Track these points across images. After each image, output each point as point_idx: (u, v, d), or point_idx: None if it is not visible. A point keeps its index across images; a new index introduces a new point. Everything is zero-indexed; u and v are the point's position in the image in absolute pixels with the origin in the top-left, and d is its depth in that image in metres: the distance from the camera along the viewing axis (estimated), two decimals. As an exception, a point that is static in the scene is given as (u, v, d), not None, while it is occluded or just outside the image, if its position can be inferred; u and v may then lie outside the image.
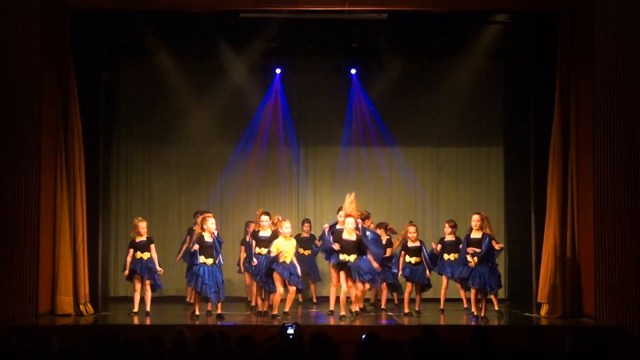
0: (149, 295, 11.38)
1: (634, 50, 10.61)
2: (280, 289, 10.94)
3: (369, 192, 14.47)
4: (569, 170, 11.15)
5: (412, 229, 11.63)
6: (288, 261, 10.94)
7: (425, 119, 14.44)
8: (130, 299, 11.90)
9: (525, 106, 13.13)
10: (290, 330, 7.04)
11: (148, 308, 11.26)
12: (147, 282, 11.34)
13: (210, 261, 10.82)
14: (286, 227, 11.03)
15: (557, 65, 11.34)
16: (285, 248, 10.93)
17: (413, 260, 11.60)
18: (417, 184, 14.56)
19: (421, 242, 11.80)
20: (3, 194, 10.49)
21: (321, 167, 14.60)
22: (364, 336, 6.32)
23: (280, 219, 11.24)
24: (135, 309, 11.28)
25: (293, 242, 11.19)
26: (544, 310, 11.16)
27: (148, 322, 10.79)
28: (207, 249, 10.86)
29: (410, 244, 11.62)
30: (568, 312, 10.94)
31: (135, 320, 10.90)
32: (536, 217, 11.96)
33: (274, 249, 10.92)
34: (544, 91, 11.98)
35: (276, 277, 10.90)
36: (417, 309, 11.53)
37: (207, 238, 10.88)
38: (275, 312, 10.95)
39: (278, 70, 14.22)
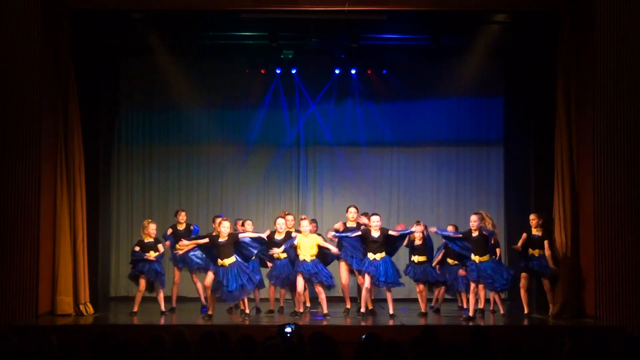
0: (161, 295, 11.48)
1: (634, 50, 10.61)
2: (300, 287, 11.05)
3: (369, 192, 14.46)
4: (572, 170, 11.16)
5: (418, 228, 11.64)
6: (308, 259, 10.99)
7: (425, 119, 14.46)
8: (131, 299, 11.91)
9: (525, 106, 13.13)
10: (288, 329, 7.04)
11: (162, 308, 11.39)
12: (157, 283, 11.45)
13: (229, 261, 10.78)
14: (304, 225, 11.09)
15: (558, 65, 11.35)
16: (304, 245, 11.01)
17: (416, 259, 11.60)
18: (417, 184, 14.55)
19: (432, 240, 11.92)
20: (3, 194, 10.50)
21: (321, 167, 14.58)
22: (364, 336, 6.32)
23: (301, 217, 11.36)
24: (135, 309, 11.30)
25: (314, 239, 11.15)
26: (551, 310, 11.17)
27: (162, 321, 10.83)
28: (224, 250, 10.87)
29: (416, 243, 11.63)
30: (568, 312, 10.96)
31: (135, 321, 10.90)
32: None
33: (297, 242, 11.04)
34: (544, 91, 11.99)
35: (299, 277, 11.03)
36: (432, 304, 11.50)
37: (221, 239, 10.90)
38: (300, 309, 11.14)
39: (278, 71, 14.23)
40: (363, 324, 10.56)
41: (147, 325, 10.40)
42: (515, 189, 13.70)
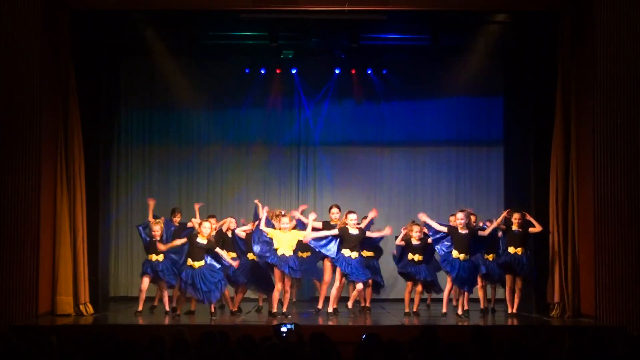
0: (166, 295, 11.48)
1: (634, 50, 10.61)
2: (278, 285, 10.96)
3: (369, 192, 14.47)
4: (570, 170, 11.17)
5: (416, 228, 11.64)
6: (287, 254, 10.92)
7: (425, 119, 14.47)
8: (131, 299, 11.92)
9: (525, 106, 13.12)
10: (284, 329, 7.04)
11: (167, 307, 11.38)
12: (162, 283, 11.44)
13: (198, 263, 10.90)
14: (284, 222, 11.00)
15: (558, 65, 11.36)
16: (282, 240, 10.93)
17: (416, 258, 11.62)
18: (417, 184, 14.55)
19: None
20: (3, 194, 10.49)
21: (321, 167, 14.59)
22: (364, 336, 6.32)
23: (282, 213, 11.26)
24: (140, 309, 11.30)
25: (293, 234, 11.06)
26: (551, 310, 11.20)
27: (167, 321, 10.80)
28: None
29: (414, 242, 11.63)
30: (568, 312, 10.98)
31: (140, 321, 10.88)
32: (536, 217, 11.95)
33: (274, 242, 10.94)
34: (544, 91, 11.99)
35: (275, 272, 10.92)
36: (415, 310, 11.51)
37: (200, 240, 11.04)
38: (274, 310, 10.97)
39: (278, 70, 14.23)
40: (363, 324, 10.56)
41: (147, 325, 10.42)
42: (515, 188, 13.69)
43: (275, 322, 10.10)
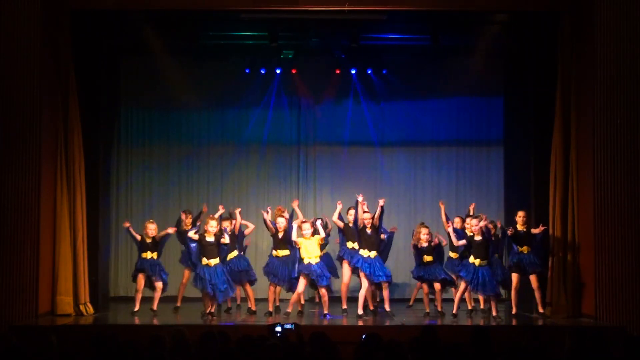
0: (157, 294, 11.45)
1: (634, 50, 10.61)
2: (300, 288, 10.98)
3: (369, 192, 14.43)
4: (570, 170, 11.18)
5: (424, 230, 11.64)
6: (313, 262, 10.95)
7: (425, 119, 14.47)
8: (131, 299, 11.91)
9: (525, 106, 13.13)
10: (278, 328, 7.06)
11: (155, 307, 11.35)
12: (156, 280, 11.41)
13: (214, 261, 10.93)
14: (306, 228, 11.03)
15: (558, 65, 11.36)
16: (307, 247, 10.95)
17: (425, 259, 11.62)
18: (417, 184, 14.55)
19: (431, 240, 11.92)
20: (3, 194, 10.50)
21: (321, 167, 14.58)
22: (364, 336, 6.32)
23: (303, 220, 11.35)
24: (136, 308, 11.29)
25: (315, 240, 11.06)
26: (548, 310, 11.19)
27: (156, 322, 10.79)
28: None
29: (423, 245, 11.63)
30: (568, 312, 10.98)
31: (136, 321, 10.89)
32: (536, 217, 11.97)
33: (301, 251, 11.00)
34: (544, 91, 12.00)
35: (302, 277, 10.94)
36: (439, 309, 11.53)
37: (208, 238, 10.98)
38: (289, 310, 11.01)
39: (278, 71, 14.24)
40: (363, 324, 10.56)
41: (147, 325, 10.42)
42: (515, 188, 13.69)
43: (289, 320, 10.16)
